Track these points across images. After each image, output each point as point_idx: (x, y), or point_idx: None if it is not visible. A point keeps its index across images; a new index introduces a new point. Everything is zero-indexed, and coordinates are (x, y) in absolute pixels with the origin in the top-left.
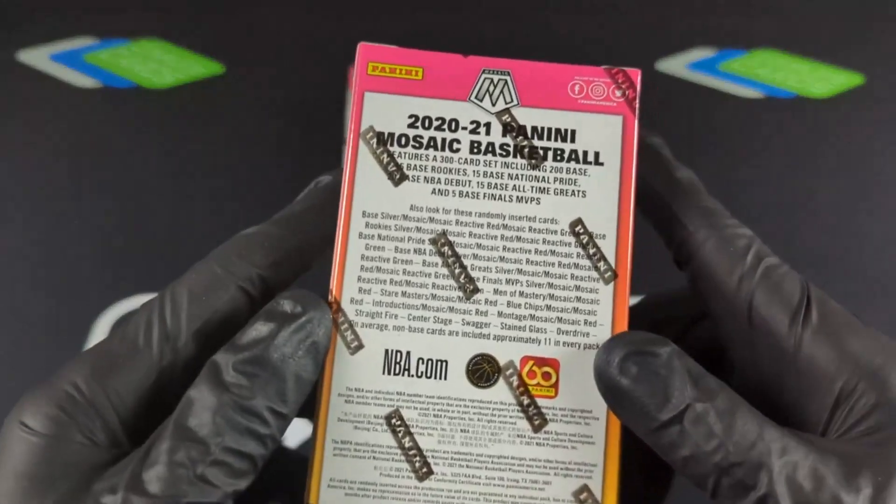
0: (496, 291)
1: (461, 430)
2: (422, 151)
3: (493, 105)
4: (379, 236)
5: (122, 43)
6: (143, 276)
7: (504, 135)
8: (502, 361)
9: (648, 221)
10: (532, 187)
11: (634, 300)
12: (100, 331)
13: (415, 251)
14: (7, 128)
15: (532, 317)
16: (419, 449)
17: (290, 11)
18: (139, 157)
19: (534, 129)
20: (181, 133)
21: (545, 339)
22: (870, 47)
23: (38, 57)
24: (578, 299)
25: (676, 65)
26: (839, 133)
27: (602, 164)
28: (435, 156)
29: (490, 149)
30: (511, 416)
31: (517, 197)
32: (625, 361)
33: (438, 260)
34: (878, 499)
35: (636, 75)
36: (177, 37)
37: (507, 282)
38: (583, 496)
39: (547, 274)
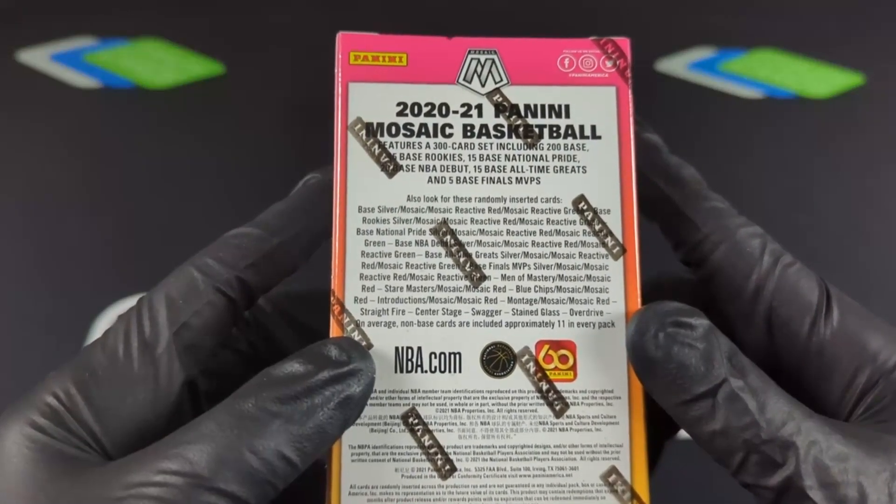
0: (504, 277)
1: (481, 423)
2: (414, 139)
3: (483, 86)
4: (378, 231)
5: (122, 43)
6: (143, 276)
7: (497, 115)
8: (517, 348)
9: (654, 223)
10: (531, 167)
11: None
12: (100, 331)
13: (416, 243)
14: (7, 128)
15: (543, 300)
16: (440, 446)
17: (290, 11)
18: (139, 157)
19: (527, 106)
20: (181, 133)
21: (558, 322)
22: (870, 47)
23: (38, 57)
24: (589, 278)
25: (676, 65)
26: (839, 133)
27: (599, 137)
28: (428, 143)
29: (484, 131)
30: (531, 404)
31: (516, 178)
32: (660, 332)
33: (441, 250)
34: (894, 482)
35: (626, 44)
36: (177, 37)
37: (515, 266)
38: (611, 478)
39: (554, 255)
